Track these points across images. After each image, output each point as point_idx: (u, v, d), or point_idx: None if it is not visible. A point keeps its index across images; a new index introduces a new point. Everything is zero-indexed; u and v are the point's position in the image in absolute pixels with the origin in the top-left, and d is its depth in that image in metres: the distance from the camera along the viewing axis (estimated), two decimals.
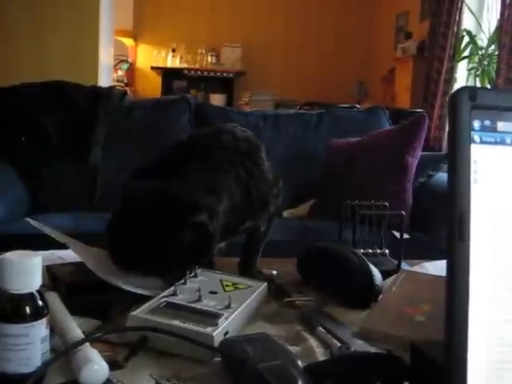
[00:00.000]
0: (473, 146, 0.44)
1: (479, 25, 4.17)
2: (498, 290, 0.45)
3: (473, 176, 0.44)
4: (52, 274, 0.93)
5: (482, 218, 0.44)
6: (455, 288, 0.43)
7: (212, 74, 6.47)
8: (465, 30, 4.20)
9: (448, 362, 0.44)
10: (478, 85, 3.99)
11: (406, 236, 1.12)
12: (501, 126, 0.46)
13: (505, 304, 0.45)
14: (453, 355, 0.44)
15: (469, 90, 0.44)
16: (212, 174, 0.93)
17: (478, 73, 4.05)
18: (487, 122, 0.45)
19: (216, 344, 0.68)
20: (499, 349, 0.45)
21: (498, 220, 0.45)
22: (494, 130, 0.45)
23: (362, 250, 1.10)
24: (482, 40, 4.12)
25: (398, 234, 1.11)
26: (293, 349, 0.72)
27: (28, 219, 0.99)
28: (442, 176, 2.51)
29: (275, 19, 6.49)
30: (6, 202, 2.31)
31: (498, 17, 3.69)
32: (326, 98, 5.40)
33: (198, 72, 6.46)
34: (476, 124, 0.45)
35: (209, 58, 6.59)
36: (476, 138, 0.45)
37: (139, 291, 0.84)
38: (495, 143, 0.45)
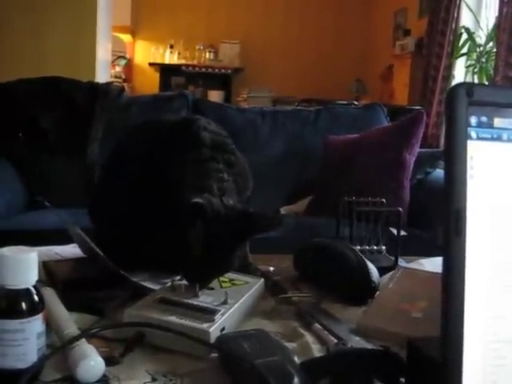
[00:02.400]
0: (469, 142, 0.44)
1: (477, 22, 4.17)
2: (494, 286, 0.45)
3: (469, 172, 0.44)
4: (48, 269, 0.93)
5: (479, 214, 0.44)
6: (451, 284, 0.43)
7: (210, 70, 6.45)
8: (463, 27, 4.20)
9: (444, 358, 0.44)
10: (476, 82, 3.99)
11: (403, 233, 1.12)
12: (497, 122, 0.46)
13: (501, 300, 0.45)
14: (449, 351, 0.44)
15: (466, 86, 0.44)
16: (208, 180, 0.90)
17: (475, 70, 4.05)
18: (484, 118, 0.45)
19: (212, 340, 0.68)
20: (495, 345, 0.45)
21: (495, 216, 0.45)
22: (490, 126, 0.45)
23: (359, 247, 1.10)
24: (480, 37, 4.11)
25: (395, 231, 1.11)
26: (289, 345, 0.72)
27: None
28: (439, 173, 2.51)
29: (273, 16, 6.48)
30: (4, 199, 2.31)
31: (497, 14, 3.69)
32: (323, 95, 5.40)
33: (196, 68, 6.44)
34: (473, 120, 0.44)
35: (207, 54, 6.58)
36: (473, 134, 0.44)
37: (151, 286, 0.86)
38: (492, 139, 0.45)
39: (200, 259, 0.79)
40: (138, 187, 0.97)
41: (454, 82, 4.17)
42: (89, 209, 1.07)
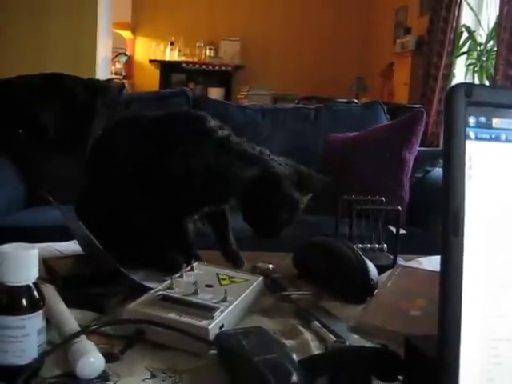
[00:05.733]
0: (468, 143, 0.44)
1: (478, 21, 4.16)
2: (491, 286, 0.45)
3: (468, 172, 0.44)
4: (49, 266, 0.93)
5: (477, 214, 0.44)
6: (449, 283, 0.44)
7: (210, 67, 6.45)
8: (464, 25, 4.20)
9: (441, 357, 0.44)
10: (477, 81, 3.98)
11: (402, 231, 1.12)
12: (496, 122, 0.46)
13: (498, 299, 0.46)
14: (446, 350, 0.44)
15: (464, 87, 0.44)
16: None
17: (476, 69, 4.05)
18: (482, 119, 0.45)
19: (211, 337, 0.68)
20: (492, 343, 0.45)
21: (493, 216, 0.45)
22: (489, 126, 0.46)
23: (360, 245, 1.10)
24: (481, 36, 4.11)
25: (394, 229, 1.11)
26: (288, 342, 0.72)
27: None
28: (439, 171, 2.51)
29: (274, 13, 6.47)
30: (4, 195, 2.31)
31: (497, 13, 3.68)
32: (324, 93, 5.40)
33: (197, 65, 6.44)
34: (471, 120, 0.45)
35: (207, 51, 6.58)
36: (471, 134, 0.45)
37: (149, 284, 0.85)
38: (490, 139, 0.46)
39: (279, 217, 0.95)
40: (130, 183, 0.97)
41: (454, 81, 4.18)
42: (76, 207, 1.07)
